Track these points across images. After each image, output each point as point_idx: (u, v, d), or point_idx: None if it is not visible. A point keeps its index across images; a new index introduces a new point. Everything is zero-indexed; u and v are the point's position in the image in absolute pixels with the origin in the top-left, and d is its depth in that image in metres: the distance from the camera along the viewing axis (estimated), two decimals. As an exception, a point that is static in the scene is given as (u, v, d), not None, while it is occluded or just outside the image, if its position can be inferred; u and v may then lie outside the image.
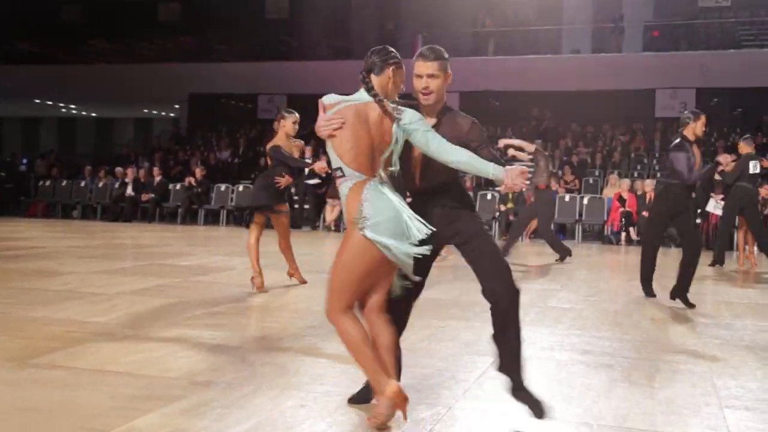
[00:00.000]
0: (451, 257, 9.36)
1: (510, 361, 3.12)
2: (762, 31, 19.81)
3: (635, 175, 16.16)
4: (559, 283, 7.74)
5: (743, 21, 20.23)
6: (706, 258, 9.72)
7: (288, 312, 5.75)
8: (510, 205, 14.52)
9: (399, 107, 3.03)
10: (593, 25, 21.13)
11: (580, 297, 6.86)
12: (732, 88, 18.45)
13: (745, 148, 9.61)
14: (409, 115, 3.00)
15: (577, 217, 14.30)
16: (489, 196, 15.09)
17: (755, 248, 10.57)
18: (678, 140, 6.31)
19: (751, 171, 9.34)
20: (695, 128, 6.27)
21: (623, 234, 13.60)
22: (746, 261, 10.30)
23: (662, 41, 20.20)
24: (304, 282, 7.03)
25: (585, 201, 14.40)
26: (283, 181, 6.63)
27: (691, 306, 6.22)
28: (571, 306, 6.30)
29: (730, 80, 18.27)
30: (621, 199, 13.75)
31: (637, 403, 3.43)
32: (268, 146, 6.75)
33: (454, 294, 6.71)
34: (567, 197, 14.54)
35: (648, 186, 13.75)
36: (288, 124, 6.66)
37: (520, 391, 3.14)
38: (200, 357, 4.07)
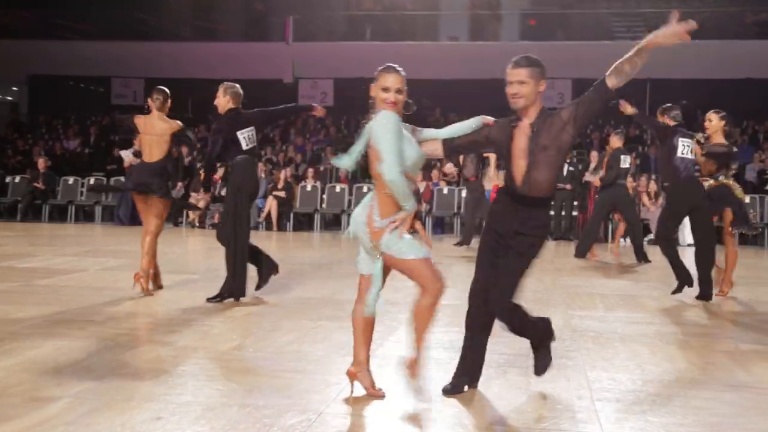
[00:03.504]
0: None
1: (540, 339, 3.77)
2: (634, 23, 21.09)
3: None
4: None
5: (616, 12, 21.45)
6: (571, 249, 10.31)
7: (143, 317, 5.56)
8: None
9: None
10: (471, 12, 21.75)
11: (456, 293, 7.04)
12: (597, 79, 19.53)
13: (616, 142, 10.20)
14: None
15: (456, 210, 14.68)
16: (364, 189, 15.22)
17: (623, 240, 11.36)
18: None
19: (622, 165, 9.91)
20: None
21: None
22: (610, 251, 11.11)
23: (539, 30, 21.08)
24: (150, 293, 6.40)
25: (464, 194, 14.81)
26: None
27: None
28: (446, 302, 6.44)
29: (605, 71, 19.33)
30: (500, 192, 14.23)
31: (512, 400, 3.56)
32: (172, 129, 6.46)
33: (326, 292, 6.72)
34: (446, 190, 14.90)
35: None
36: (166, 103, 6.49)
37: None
38: (41, 370, 3.86)
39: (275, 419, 3.17)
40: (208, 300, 6.07)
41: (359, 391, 3.61)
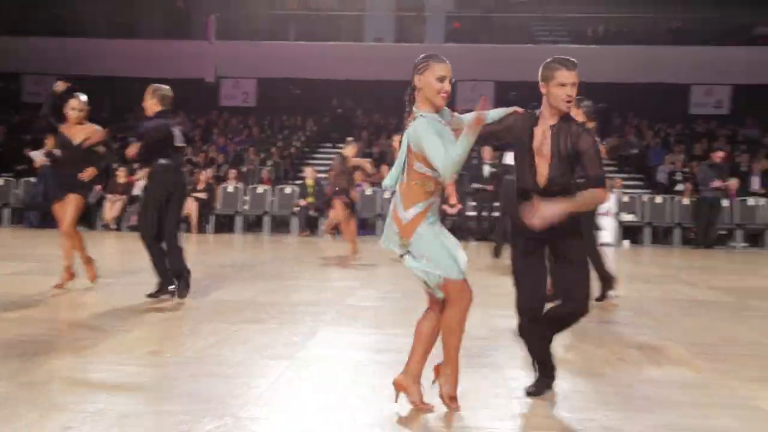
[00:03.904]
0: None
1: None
2: (555, 28, 21.65)
3: (439, 167, 16.94)
4: (360, 280, 7.94)
5: (538, 17, 21.97)
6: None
7: (54, 323, 5.39)
8: (310, 199, 14.68)
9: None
10: (396, 14, 21.91)
11: (379, 294, 7.09)
12: (530, 82, 19.95)
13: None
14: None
15: (378, 212, 14.75)
16: (288, 190, 15.14)
17: None
18: None
19: (504, 162, 9.68)
20: None
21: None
22: None
23: (463, 33, 21.39)
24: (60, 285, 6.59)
25: (387, 194, 14.90)
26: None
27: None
28: (369, 304, 6.49)
29: (527, 74, 19.77)
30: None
31: (429, 400, 3.61)
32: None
33: (247, 295, 6.65)
34: (369, 191, 14.95)
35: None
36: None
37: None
38: (-57, 380, 3.70)
39: (192, 425, 3.13)
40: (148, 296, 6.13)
41: (283, 392, 3.59)
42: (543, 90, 3.54)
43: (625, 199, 14.39)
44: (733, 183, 13.84)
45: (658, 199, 14.44)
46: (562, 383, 3.85)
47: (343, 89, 20.38)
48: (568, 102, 3.47)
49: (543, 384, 3.71)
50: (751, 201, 14.13)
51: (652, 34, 20.20)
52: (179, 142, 6.28)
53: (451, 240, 3.39)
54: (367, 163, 10.87)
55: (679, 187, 14.90)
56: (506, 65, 19.87)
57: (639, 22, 21.17)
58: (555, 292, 4.39)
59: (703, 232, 13.24)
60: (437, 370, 3.51)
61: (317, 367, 4.19)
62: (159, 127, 6.11)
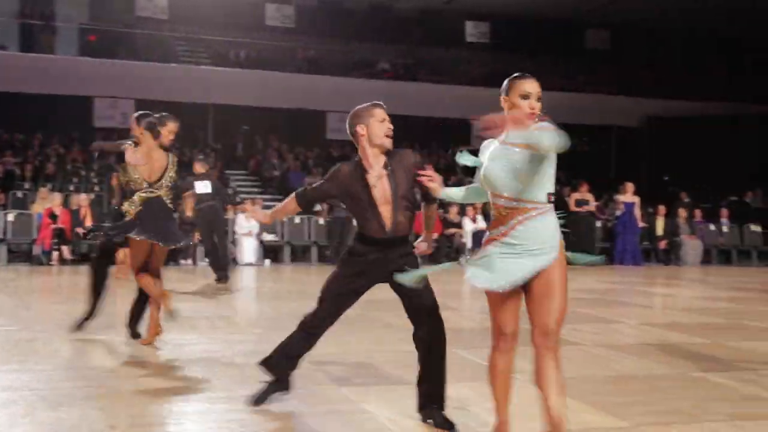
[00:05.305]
0: None
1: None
2: (197, 48, 21.66)
3: (71, 188, 15.91)
4: None
5: (180, 36, 21.80)
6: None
7: None
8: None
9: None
10: (21, 21, 20.16)
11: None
12: (172, 102, 19.62)
13: (198, 168, 10.27)
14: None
15: (1, 236, 13.38)
16: None
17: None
18: None
19: (199, 191, 9.68)
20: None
21: (55, 253, 13.22)
22: None
23: (100, 47, 20.38)
24: None
25: (10, 217, 13.58)
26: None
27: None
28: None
29: (169, 93, 19.49)
30: (53, 215, 13.37)
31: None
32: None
33: None
34: (297, 219, 14.40)
35: (84, 200, 13.72)
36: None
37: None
38: None
39: None
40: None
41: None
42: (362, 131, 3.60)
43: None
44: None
45: (297, 219, 15.16)
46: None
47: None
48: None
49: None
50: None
51: (291, 62, 21.25)
52: None
53: None
54: None
55: (317, 207, 15.78)
56: (148, 83, 19.39)
57: (279, 50, 22.12)
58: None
59: (336, 249, 14.19)
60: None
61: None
62: None
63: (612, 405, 3.99)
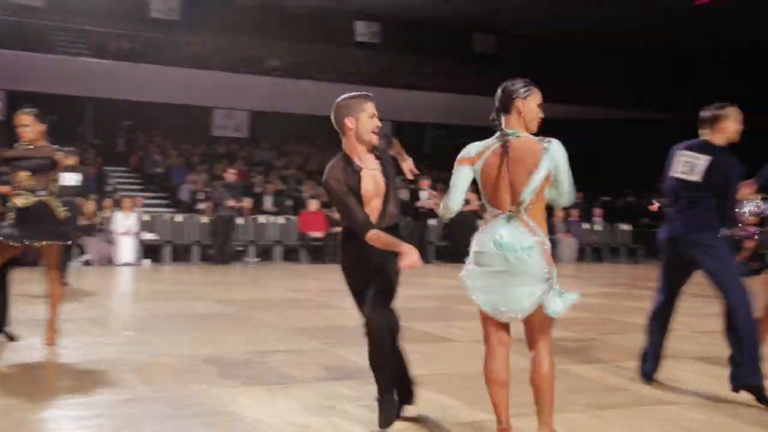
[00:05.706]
0: None
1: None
2: (77, 39, 20.72)
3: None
4: None
5: (59, 26, 20.79)
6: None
7: None
8: None
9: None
10: None
11: None
12: (47, 94, 18.71)
13: (65, 160, 9.75)
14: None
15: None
16: None
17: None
18: None
19: (67, 183, 9.30)
20: None
21: None
22: None
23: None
24: None
25: None
26: None
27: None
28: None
29: (45, 85, 18.62)
30: None
31: None
32: None
33: None
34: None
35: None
36: None
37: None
38: None
39: None
40: None
41: None
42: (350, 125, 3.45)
43: (147, 218, 14.40)
44: (247, 204, 14.84)
45: (179, 217, 14.77)
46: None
47: None
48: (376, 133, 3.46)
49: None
50: (263, 219, 15.30)
51: (175, 56, 20.65)
52: None
53: None
54: None
55: (201, 205, 15.45)
56: (22, 72, 18.42)
57: (161, 43, 21.48)
58: None
59: (220, 248, 13.93)
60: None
61: None
62: None
63: (480, 399, 4.09)
